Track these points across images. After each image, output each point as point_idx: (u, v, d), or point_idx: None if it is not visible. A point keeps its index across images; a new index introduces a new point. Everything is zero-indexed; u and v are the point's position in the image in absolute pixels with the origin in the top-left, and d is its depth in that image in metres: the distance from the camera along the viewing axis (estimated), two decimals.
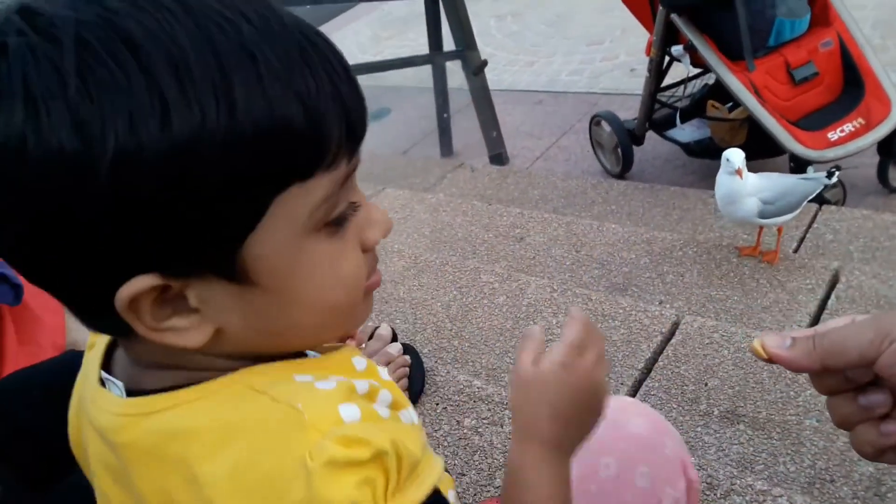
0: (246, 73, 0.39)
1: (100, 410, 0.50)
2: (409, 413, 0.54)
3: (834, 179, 1.81)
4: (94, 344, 0.57)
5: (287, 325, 0.48)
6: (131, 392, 0.49)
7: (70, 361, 1.07)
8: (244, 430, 0.45)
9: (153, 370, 0.49)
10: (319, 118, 0.42)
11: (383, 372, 0.56)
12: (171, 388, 0.47)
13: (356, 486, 0.42)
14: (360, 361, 0.54)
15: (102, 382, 0.52)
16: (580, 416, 0.59)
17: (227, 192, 0.40)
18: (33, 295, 1.57)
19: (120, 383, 0.49)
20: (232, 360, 0.49)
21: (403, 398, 0.55)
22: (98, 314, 0.45)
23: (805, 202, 1.81)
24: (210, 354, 0.48)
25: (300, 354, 0.53)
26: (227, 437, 0.45)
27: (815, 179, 1.82)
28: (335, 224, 0.47)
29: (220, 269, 0.43)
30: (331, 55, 0.45)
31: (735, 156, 1.73)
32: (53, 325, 1.57)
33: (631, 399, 0.87)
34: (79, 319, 0.46)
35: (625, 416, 0.81)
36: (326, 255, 0.47)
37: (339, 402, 0.46)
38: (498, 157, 3.24)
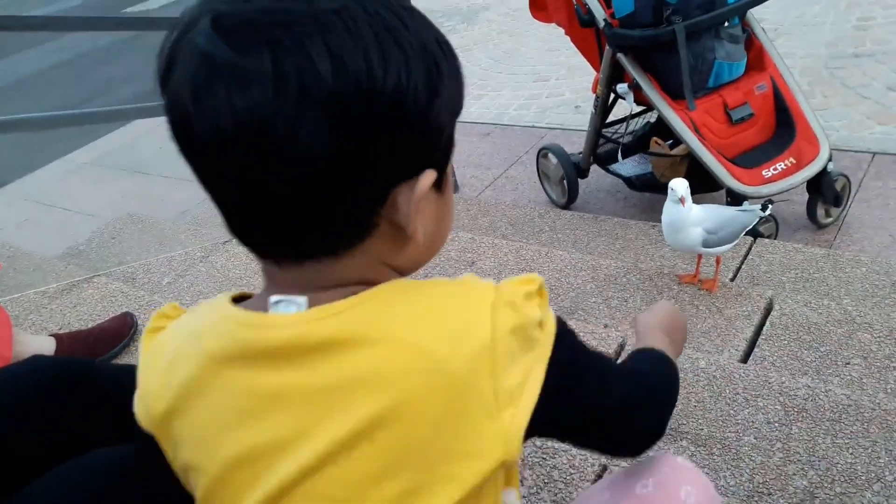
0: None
1: (275, 332, 0.57)
2: None
3: (768, 212, 1.91)
4: (158, 326, 0.67)
5: (442, 235, 0.65)
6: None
7: (36, 367, 1.06)
8: (440, 302, 0.59)
9: (331, 290, 0.58)
10: None
11: None
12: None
13: (537, 307, 0.61)
14: None
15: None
16: (676, 324, 0.99)
17: (457, 111, 0.61)
18: None
19: (302, 298, 0.58)
20: (398, 275, 0.62)
21: None
22: (350, 229, 0.57)
23: (743, 233, 1.91)
24: (391, 266, 0.61)
25: None
26: (428, 309, 0.58)
27: (751, 212, 1.93)
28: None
29: (440, 176, 0.60)
30: None
31: (679, 185, 1.82)
32: (0, 337, 1.54)
33: (689, 465, 0.87)
34: (317, 244, 0.57)
35: (677, 481, 0.84)
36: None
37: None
38: None
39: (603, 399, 0.70)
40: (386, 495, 0.56)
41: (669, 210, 1.86)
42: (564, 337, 0.63)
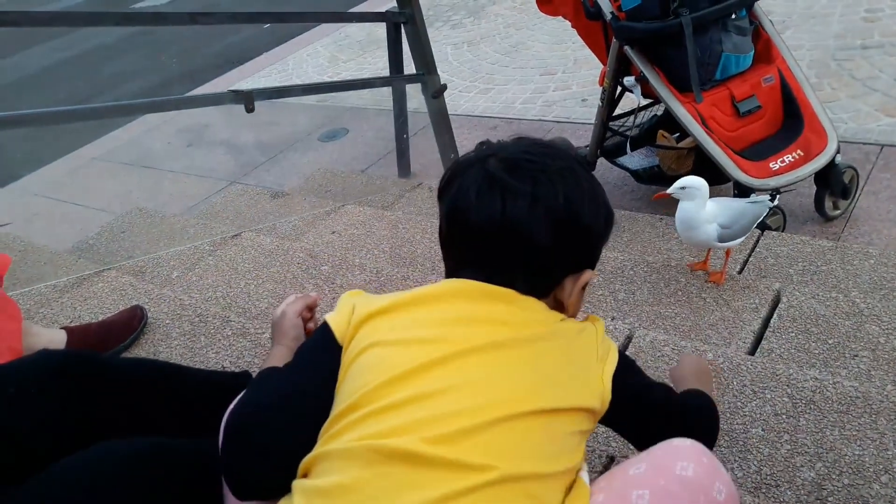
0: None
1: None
2: None
3: (776, 201, 1.91)
4: (355, 294, 1.01)
5: (578, 311, 1.01)
6: None
7: (43, 360, 1.07)
8: (588, 328, 0.96)
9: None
10: None
11: None
12: None
13: (602, 327, 0.98)
14: None
15: None
16: (703, 373, 1.32)
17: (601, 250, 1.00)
18: None
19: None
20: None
21: None
22: (539, 290, 0.93)
23: (755, 224, 1.91)
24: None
25: None
26: (583, 330, 0.95)
27: (760, 202, 1.93)
28: None
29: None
30: None
31: (680, 181, 1.83)
32: (10, 330, 1.55)
33: (687, 443, 0.92)
34: (527, 292, 0.92)
35: (671, 459, 0.89)
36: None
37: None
38: None
39: (658, 392, 1.02)
40: (527, 375, 0.86)
41: (683, 207, 1.85)
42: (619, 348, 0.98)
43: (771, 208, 1.93)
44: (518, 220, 0.86)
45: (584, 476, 0.92)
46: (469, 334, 0.87)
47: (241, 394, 0.93)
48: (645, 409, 0.99)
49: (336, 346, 0.92)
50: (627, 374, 0.96)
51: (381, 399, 0.82)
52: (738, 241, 1.90)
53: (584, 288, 0.96)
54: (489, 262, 0.90)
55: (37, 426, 1.01)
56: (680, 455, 0.88)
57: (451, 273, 0.94)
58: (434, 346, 0.85)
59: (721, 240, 1.86)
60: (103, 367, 1.13)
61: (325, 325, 0.95)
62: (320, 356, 0.94)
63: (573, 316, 0.98)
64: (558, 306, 0.95)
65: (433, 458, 0.77)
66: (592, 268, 0.96)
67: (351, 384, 0.87)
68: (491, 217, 0.87)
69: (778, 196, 1.95)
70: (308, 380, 0.92)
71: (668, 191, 1.83)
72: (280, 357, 1.08)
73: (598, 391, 0.90)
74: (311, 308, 1.24)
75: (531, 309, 0.91)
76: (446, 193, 0.93)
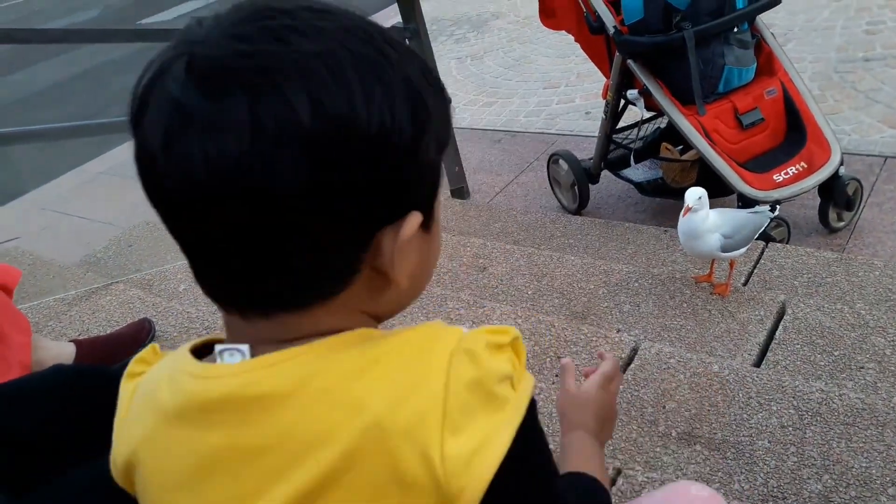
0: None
1: (215, 384, 0.54)
2: None
3: (776, 212, 1.93)
4: (136, 372, 0.65)
5: (426, 277, 0.62)
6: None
7: (55, 374, 1.09)
8: (390, 351, 0.54)
9: (282, 344, 0.54)
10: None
11: None
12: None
13: (507, 362, 0.55)
14: None
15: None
16: (607, 420, 0.91)
17: (441, 150, 0.57)
18: (3, 316, 1.56)
19: (245, 347, 0.54)
20: (374, 322, 0.59)
21: None
22: (329, 278, 0.54)
23: (757, 234, 1.92)
24: (369, 313, 0.58)
25: None
26: (374, 361, 0.53)
27: (761, 213, 1.94)
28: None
29: (427, 216, 0.57)
30: None
31: (690, 195, 1.83)
32: (20, 343, 1.56)
33: (705, 494, 0.85)
34: (303, 291, 0.53)
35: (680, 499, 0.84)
36: (440, 223, 0.62)
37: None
38: (459, 191, 3.31)
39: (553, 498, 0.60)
40: None
41: (690, 218, 1.86)
42: (535, 411, 0.56)
43: (773, 219, 1.94)
44: (241, 173, 0.47)
45: None
46: (236, 498, 0.54)
47: None
48: None
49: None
50: (531, 473, 0.55)
51: None
52: (740, 252, 1.91)
53: (420, 241, 0.57)
54: (224, 251, 0.51)
55: (50, 440, 1.02)
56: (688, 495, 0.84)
57: (195, 273, 0.55)
58: None
59: (724, 250, 1.87)
60: (114, 381, 1.14)
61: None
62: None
63: (411, 293, 0.62)
64: (375, 277, 0.55)
65: None
66: (425, 207, 0.56)
67: None
68: (191, 175, 0.48)
69: (778, 207, 1.96)
70: None
71: (690, 204, 1.82)
72: None
73: None
74: None
75: (309, 398, 0.52)
76: (134, 132, 0.52)
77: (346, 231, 0.52)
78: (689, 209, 1.82)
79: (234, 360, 0.54)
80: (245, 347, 0.54)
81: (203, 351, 0.59)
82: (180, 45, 0.50)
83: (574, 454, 0.84)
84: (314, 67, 0.48)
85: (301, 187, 0.48)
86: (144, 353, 0.67)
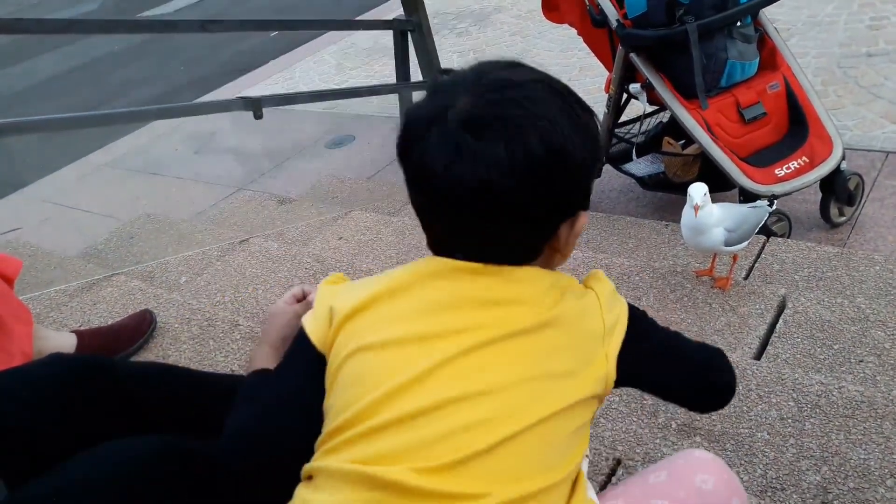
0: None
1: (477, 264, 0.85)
2: None
3: (773, 206, 1.93)
4: (333, 281, 0.95)
5: (572, 250, 0.90)
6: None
7: (56, 364, 1.09)
8: (581, 312, 0.87)
9: None
10: None
11: None
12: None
13: (610, 284, 0.93)
14: None
15: None
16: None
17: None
18: (4, 306, 1.56)
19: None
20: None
21: None
22: (528, 252, 0.85)
23: (757, 228, 1.92)
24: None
25: None
26: (582, 313, 0.86)
27: (760, 207, 1.94)
28: None
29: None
30: None
31: (696, 191, 1.82)
32: (22, 333, 1.57)
33: (708, 456, 0.94)
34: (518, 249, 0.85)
35: (691, 470, 0.92)
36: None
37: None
38: None
39: (678, 343, 0.98)
40: (530, 372, 0.80)
41: (689, 213, 1.85)
42: (635, 307, 0.93)
43: (773, 214, 1.94)
44: (497, 186, 0.76)
45: (584, 466, 0.89)
46: (458, 324, 0.80)
47: (236, 402, 0.94)
48: (661, 374, 0.95)
49: (316, 355, 0.88)
50: (638, 343, 0.88)
51: (374, 417, 0.78)
52: (742, 246, 1.91)
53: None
54: (473, 233, 0.81)
55: (49, 429, 1.02)
56: (701, 467, 0.91)
57: (434, 246, 0.86)
58: (422, 347, 0.80)
59: (727, 244, 1.87)
60: (114, 371, 1.14)
61: (303, 334, 0.90)
62: (301, 367, 0.90)
63: (565, 258, 0.90)
64: (552, 253, 0.87)
65: (423, 490, 0.74)
66: (586, 207, 0.86)
67: (341, 397, 0.82)
68: (465, 187, 0.76)
69: (776, 201, 1.96)
70: (294, 394, 0.90)
71: (697, 202, 1.81)
72: (263, 357, 1.06)
73: (601, 374, 0.85)
74: (299, 300, 1.16)
75: (522, 280, 0.83)
76: (407, 159, 0.82)
77: (546, 224, 0.83)
78: (697, 207, 1.81)
79: None
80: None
81: None
82: (438, 99, 0.80)
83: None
84: (541, 122, 0.77)
85: (529, 199, 0.78)
86: (336, 275, 0.97)
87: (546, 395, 0.79)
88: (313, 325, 0.89)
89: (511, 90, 0.78)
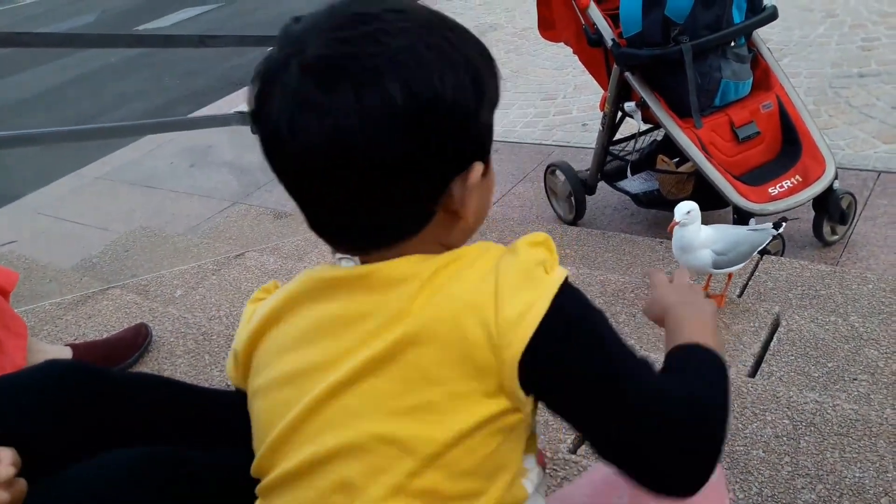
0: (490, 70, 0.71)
1: (338, 269, 0.72)
2: None
3: (781, 229, 1.93)
4: (259, 298, 0.81)
5: (483, 212, 0.75)
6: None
7: (50, 369, 1.09)
8: (461, 255, 0.70)
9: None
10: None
11: None
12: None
13: (542, 252, 0.70)
14: None
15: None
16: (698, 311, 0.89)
17: (493, 112, 0.71)
18: None
19: (356, 259, 0.73)
20: (442, 249, 0.71)
21: None
22: (414, 219, 0.69)
23: (754, 252, 1.93)
24: (444, 244, 0.73)
25: None
26: (450, 261, 0.69)
27: (763, 231, 1.95)
28: None
29: (486, 164, 0.71)
30: None
31: (679, 209, 1.84)
32: (15, 347, 1.56)
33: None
34: (385, 236, 0.69)
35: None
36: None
37: None
38: None
39: (630, 376, 0.68)
40: (404, 406, 0.67)
41: (678, 231, 1.87)
42: (572, 290, 0.69)
43: (775, 236, 1.94)
44: (351, 146, 0.62)
45: (528, 484, 0.75)
46: (327, 354, 0.70)
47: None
48: (569, 413, 0.69)
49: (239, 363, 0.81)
50: (554, 350, 0.65)
51: (264, 475, 0.75)
52: (735, 269, 1.92)
53: (480, 185, 0.71)
54: (343, 208, 0.67)
55: (44, 434, 1.02)
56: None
57: (313, 228, 0.72)
58: (294, 389, 0.71)
59: (716, 266, 1.88)
60: (109, 377, 1.14)
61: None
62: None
63: (475, 225, 0.74)
64: (450, 218, 0.71)
65: None
66: (483, 157, 0.70)
67: (255, 430, 0.78)
68: (316, 152, 0.63)
69: (784, 224, 1.97)
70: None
71: (677, 219, 1.83)
72: None
73: (494, 387, 0.66)
74: None
75: (392, 280, 0.68)
76: (256, 125, 0.68)
77: (429, 182, 0.67)
78: (675, 224, 1.83)
79: (349, 265, 0.72)
80: (357, 259, 0.73)
81: None
82: (287, 46, 0.65)
83: (669, 337, 0.84)
84: (403, 60, 0.63)
85: (397, 152, 0.63)
86: (268, 285, 0.83)
87: (424, 433, 0.66)
88: (228, 365, 0.82)
89: (366, 24, 0.64)
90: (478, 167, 0.69)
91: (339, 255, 0.72)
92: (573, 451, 1.49)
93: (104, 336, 1.99)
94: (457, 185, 0.68)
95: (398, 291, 0.68)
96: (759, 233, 1.95)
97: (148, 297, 2.38)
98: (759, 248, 1.95)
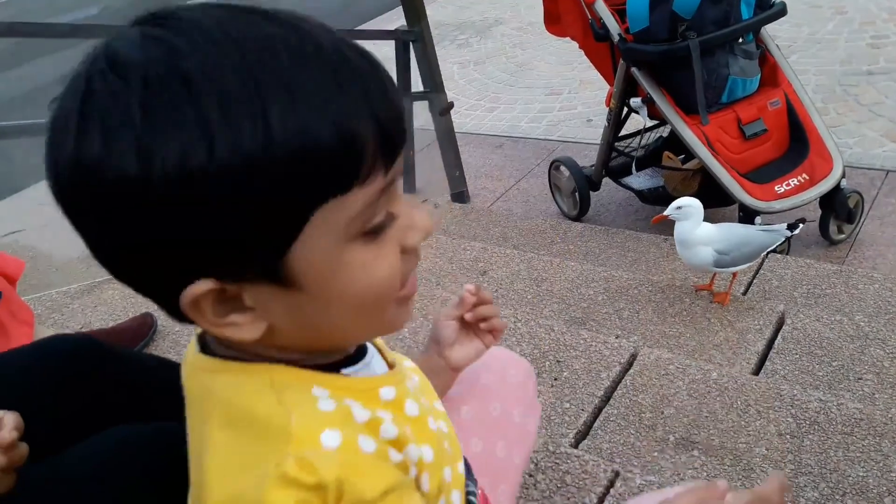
0: (282, 101, 0.44)
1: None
2: (423, 451, 0.58)
3: (797, 231, 1.93)
4: None
5: (328, 324, 0.53)
6: (204, 348, 0.58)
7: (57, 343, 1.09)
8: (249, 418, 0.52)
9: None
10: (351, 137, 0.46)
11: (412, 408, 0.60)
12: (230, 357, 0.56)
13: (292, 502, 0.48)
14: (389, 391, 0.59)
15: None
16: None
17: (266, 207, 0.45)
18: (4, 306, 1.56)
19: (193, 341, 0.60)
20: (285, 352, 0.55)
21: (428, 434, 0.61)
22: (174, 309, 0.51)
23: (763, 252, 1.92)
24: (265, 346, 0.53)
25: (355, 358, 0.60)
26: (237, 416, 0.53)
27: (775, 231, 1.93)
28: (373, 233, 0.51)
29: (267, 274, 0.49)
30: (366, 72, 0.48)
31: (672, 203, 1.86)
32: (21, 334, 1.57)
33: (506, 351, 1.06)
34: (163, 311, 0.53)
35: (504, 366, 1.02)
36: (362, 261, 0.51)
37: (327, 426, 0.51)
38: (460, 195, 3.32)
39: None
40: None
41: (678, 228, 1.88)
42: None
43: (788, 238, 1.94)
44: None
45: None
46: None
47: None
48: None
49: None
50: None
51: None
52: (739, 268, 1.91)
53: (217, 302, 0.50)
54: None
55: (47, 408, 1.03)
56: (507, 361, 1.02)
57: None
58: None
59: (718, 265, 1.88)
60: (112, 353, 1.15)
61: None
62: None
63: (317, 338, 0.55)
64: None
65: None
66: (217, 272, 0.48)
67: None
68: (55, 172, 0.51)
69: (802, 226, 1.96)
70: None
71: (665, 212, 1.86)
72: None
73: None
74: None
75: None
76: None
77: (144, 283, 0.53)
78: (661, 217, 1.84)
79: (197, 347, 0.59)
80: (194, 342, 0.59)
81: None
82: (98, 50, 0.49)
83: None
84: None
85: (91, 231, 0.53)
86: None
87: None
88: None
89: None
90: (200, 284, 0.48)
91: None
92: (574, 446, 1.49)
93: (110, 325, 1.99)
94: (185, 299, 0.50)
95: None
96: (770, 234, 1.94)
97: None
98: (769, 249, 1.94)
